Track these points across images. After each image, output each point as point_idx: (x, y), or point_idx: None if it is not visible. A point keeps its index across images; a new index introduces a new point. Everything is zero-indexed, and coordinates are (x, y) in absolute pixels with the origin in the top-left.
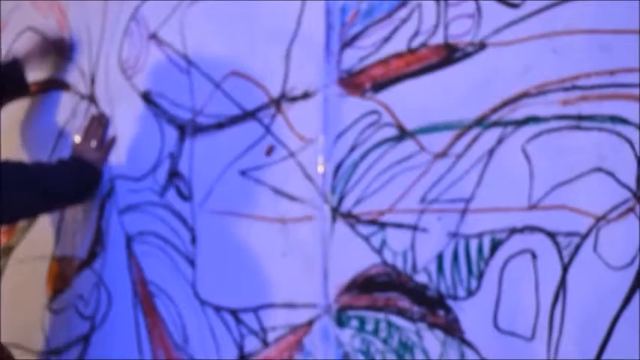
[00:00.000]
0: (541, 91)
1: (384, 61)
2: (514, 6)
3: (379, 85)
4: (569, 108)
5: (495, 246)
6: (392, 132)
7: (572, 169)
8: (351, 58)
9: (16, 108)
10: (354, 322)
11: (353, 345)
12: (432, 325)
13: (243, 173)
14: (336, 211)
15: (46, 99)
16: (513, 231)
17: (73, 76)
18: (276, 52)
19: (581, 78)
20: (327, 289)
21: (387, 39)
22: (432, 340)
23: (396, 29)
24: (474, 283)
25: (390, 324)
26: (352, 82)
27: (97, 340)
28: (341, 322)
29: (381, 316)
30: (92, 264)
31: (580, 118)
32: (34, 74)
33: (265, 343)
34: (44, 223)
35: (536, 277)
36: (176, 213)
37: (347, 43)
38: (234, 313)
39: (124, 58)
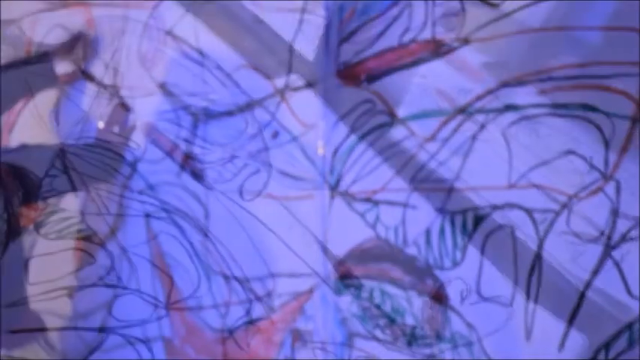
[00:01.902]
0: (519, 81)
1: (378, 55)
2: (494, 5)
3: (373, 77)
4: (544, 97)
5: (478, 221)
6: (385, 119)
7: (547, 152)
8: (348, 52)
9: (46, 97)
10: (351, 290)
11: (350, 310)
12: (421, 293)
13: (251, 156)
14: (334, 190)
15: (73, 89)
16: (494, 208)
17: (97, 69)
18: (281, 47)
19: (555, 70)
20: (327, 261)
21: (380, 35)
22: (421, 306)
23: (388, 26)
24: (458, 255)
25: (383, 292)
26: (349, 74)
27: (119, 306)
28: (339, 290)
29: (375, 284)
30: (115, 238)
31: (554, 106)
32: (63, 66)
33: (271, 309)
34: (71, 201)
35: (514, 249)
36: (190, 192)
37: (344, 39)
38: (242, 281)
39: (143, 52)
